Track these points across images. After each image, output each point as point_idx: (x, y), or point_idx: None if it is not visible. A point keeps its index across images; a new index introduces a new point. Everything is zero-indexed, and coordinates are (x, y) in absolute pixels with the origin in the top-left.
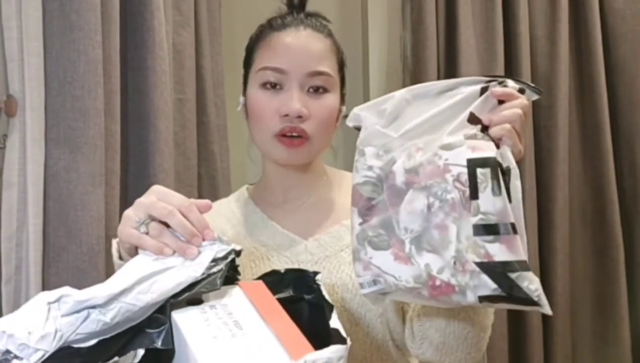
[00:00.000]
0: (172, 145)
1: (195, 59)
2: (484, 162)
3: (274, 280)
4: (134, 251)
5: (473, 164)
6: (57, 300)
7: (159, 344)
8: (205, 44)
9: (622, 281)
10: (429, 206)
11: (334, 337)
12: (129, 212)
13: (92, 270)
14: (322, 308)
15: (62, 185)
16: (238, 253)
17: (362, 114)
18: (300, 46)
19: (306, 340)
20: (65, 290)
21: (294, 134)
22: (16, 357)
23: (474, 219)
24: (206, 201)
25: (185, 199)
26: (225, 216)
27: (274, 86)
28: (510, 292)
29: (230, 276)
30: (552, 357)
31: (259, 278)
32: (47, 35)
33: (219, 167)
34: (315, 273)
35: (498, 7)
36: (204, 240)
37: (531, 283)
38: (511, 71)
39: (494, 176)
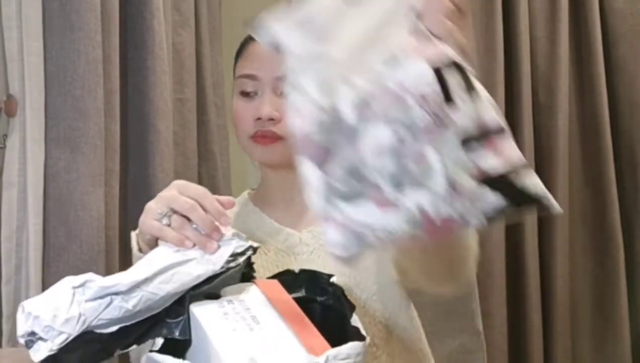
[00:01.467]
0: (172, 145)
1: (195, 59)
2: (447, 68)
3: (287, 280)
4: (154, 243)
5: (436, 75)
6: (82, 285)
7: (176, 334)
8: (205, 44)
9: (622, 281)
10: (399, 139)
11: (354, 335)
12: (151, 204)
13: (92, 270)
14: (336, 310)
15: (62, 185)
16: (255, 250)
17: (280, 31)
18: (269, 51)
19: (323, 337)
20: (90, 275)
21: (267, 135)
22: (41, 338)
23: (454, 136)
24: (229, 198)
25: (207, 193)
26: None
27: (249, 94)
28: (516, 199)
29: (247, 273)
30: (552, 357)
31: (274, 277)
32: (47, 36)
33: (219, 167)
34: (330, 276)
35: (498, 7)
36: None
37: (532, 179)
38: (511, 71)
39: (465, 79)
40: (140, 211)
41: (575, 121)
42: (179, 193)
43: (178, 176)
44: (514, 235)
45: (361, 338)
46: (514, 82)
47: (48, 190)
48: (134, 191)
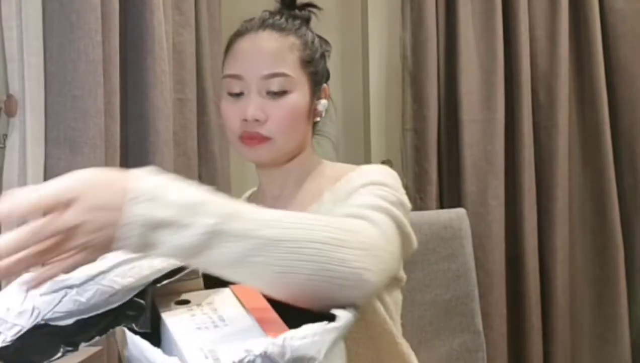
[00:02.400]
0: (172, 145)
1: (196, 59)
2: None
3: None
4: None
5: None
6: None
7: (137, 327)
8: (206, 44)
9: (622, 281)
10: None
11: (329, 317)
12: None
13: None
14: None
15: None
16: None
17: None
18: (255, 49)
19: (285, 325)
20: None
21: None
22: None
23: None
24: None
25: None
26: None
27: (237, 94)
28: None
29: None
30: (552, 357)
31: None
32: (47, 36)
33: (219, 167)
34: None
35: (498, 7)
36: None
37: None
38: (511, 71)
39: None
40: None
41: (575, 121)
42: None
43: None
44: (514, 235)
45: (330, 319)
46: (514, 82)
47: None
48: None
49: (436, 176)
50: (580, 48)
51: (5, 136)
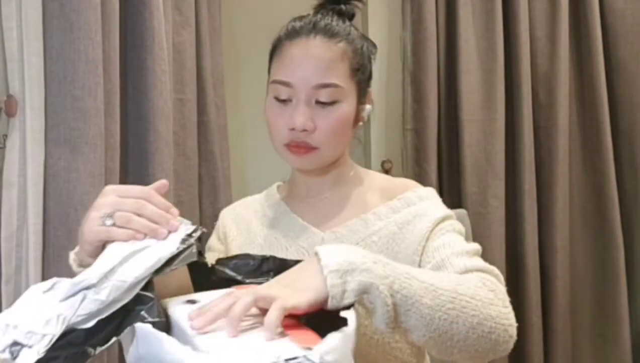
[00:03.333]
0: (172, 145)
1: (196, 59)
2: None
3: (248, 264)
4: (99, 251)
5: None
6: (51, 288)
7: (150, 319)
8: (206, 44)
9: (622, 281)
10: None
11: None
12: (91, 214)
13: None
14: None
15: (62, 185)
16: (203, 231)
17: None
18: (306, 58)
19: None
20: (55, 279)
21: (301, 145)
22: (24, 345)
23: None
24: (162, 182)
25: (144, 188)
26: (254, 208)
27: (283, 101)
28: None
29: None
30: (552, 357)
31: (232, 258)
32: (47, 36)
33: (219, 167)
34: (297, 261)
35: (498, 7)
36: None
37: None
38: (511, 71)
39: None
40: None
41: (575, 121)
42: (119, 196)
43: (178, 176)
44: (514, 235)
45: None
46: (514, 82)
47: (48, 190)
48: None
49: (436, 176)
50: (580, 48)
51: (5, 136)
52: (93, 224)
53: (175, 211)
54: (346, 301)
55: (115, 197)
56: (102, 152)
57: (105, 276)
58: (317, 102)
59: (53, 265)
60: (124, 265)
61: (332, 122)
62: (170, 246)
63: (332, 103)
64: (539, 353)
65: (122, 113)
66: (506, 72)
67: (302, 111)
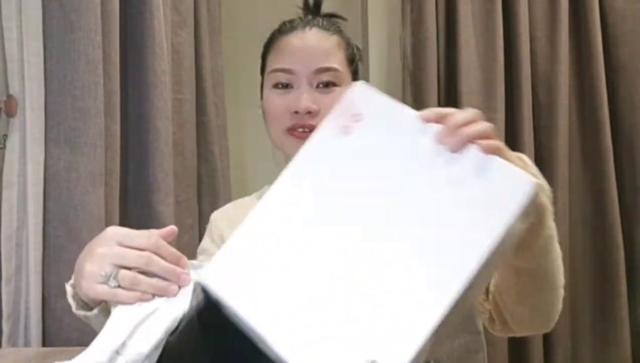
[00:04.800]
0: (172, 145)
1: (195, 59)
2: None
3: None
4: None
5: None
6: None
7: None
8: (205, 44)
9: (622, 281)
10: None
11: None
12: (88, 267)
13: None
14: None
15: (62, 185)
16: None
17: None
18: (306, 45)
19: None
20: None
21: (305, 129)
22: None
23: None
24: (170, 228)
25: (151, 235)
26: (248, 209)
27: (285, 86)
28: None
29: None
30: (552, 357)
31: None
32: (47, 36)
33: (219, 167)
34: None
35: (498, 7)
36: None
37: None
38: (511, 71)
39: None
40: (140, 210)
41: (575, 121)
42: (122, 246)
43: (177, 177)
44: None
45: None
46: (514, 82)
47: (48, 190)
48: (134, 192)
49: None
50: (580, 48)
51: (5, 136)
52: (94, 281)
53: (185, 261)
54: None
55: (117, 248)
56: (102, 152)
57: (117, 351)
58: (318, 85)
59: (53, 265)
60: (136, 334)
61: (334, 105)
62: (182, 303)
63: (333, 86)
64: (539, 353)
65: (122, 113)
66: (506, 72)
67: (307, 93)
